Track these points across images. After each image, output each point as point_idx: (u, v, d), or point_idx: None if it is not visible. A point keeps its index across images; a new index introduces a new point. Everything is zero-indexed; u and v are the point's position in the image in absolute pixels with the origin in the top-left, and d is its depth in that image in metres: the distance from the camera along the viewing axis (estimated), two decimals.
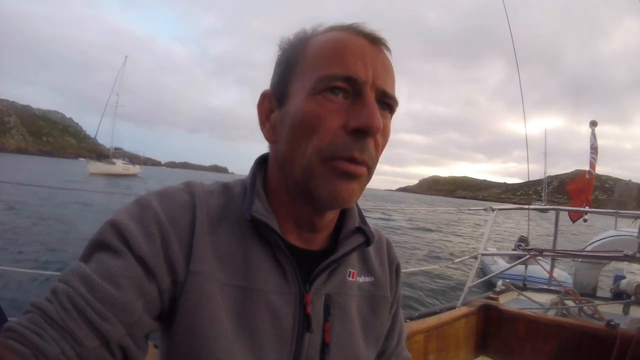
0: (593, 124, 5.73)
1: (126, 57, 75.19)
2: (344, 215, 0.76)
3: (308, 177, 0.62)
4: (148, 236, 0.59)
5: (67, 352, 0.49)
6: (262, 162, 0.74)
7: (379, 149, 0.64)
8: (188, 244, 0.62)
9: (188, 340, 0.59)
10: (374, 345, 0.79)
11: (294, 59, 0.66)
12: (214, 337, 0.60)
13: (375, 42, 0.64)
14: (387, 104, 0.65)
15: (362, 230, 0.74)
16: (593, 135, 5.71)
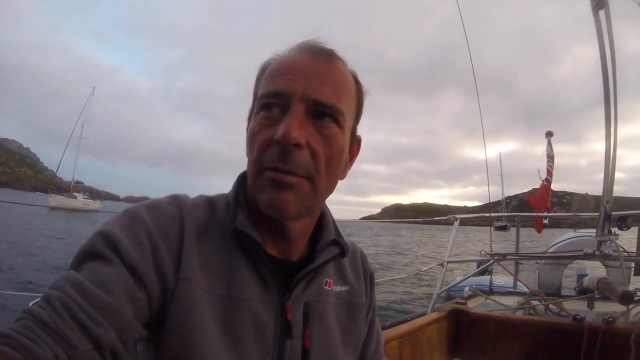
0: (549, 134, 6.00)
1: (94, 87, 72.61)
2: (320, 227, 0.79)
3: (253, 187, 0.68)
4: (138, 245, 0.60)
5: (60, 355, 0.49)
6: (244, 178, 0.77)
7: (319, 158, 0.65)
8: (177, 253, 0.64)
9: (178, 346, 0.60)
10: (353, 351, 0.82)
11: (256, 84, 0.73)
12: (204, 343, 0.61)
13: (317, 54, 0.68)
14: (325, 112, 0.66)
15: (338, 242, 0.79)
16: (549, 144, 5.96)
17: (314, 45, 0.70)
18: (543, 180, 5.90)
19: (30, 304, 0.59)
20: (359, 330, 0.83)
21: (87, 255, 0.59)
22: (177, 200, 0.71)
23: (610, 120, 2.76)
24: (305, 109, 0.65)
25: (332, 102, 0.66)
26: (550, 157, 5.93)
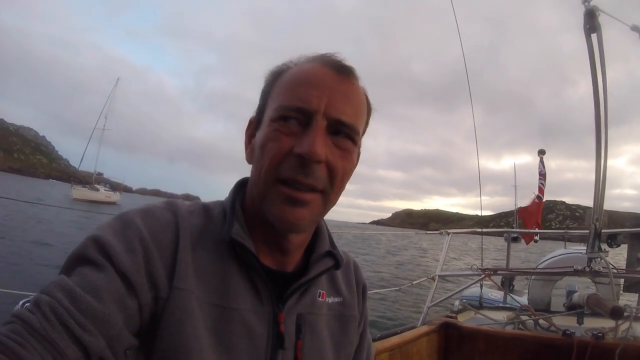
0: (541, 152, 6.02)
1: (118, 79, 70.34)
2: (316, 238, 0.79)
3: (262, 199, 0.67)
4: (130, 252, 0.60)
5: None
6: (241, 185, 0.77)
7: (335, 174, 0.67)
8: (171, 261, 0.63)
9: (171, 356, 0.60)
10: None
11: (268, 89, 0.72)
12: (197, 353, 0.60)
13: (339, 71, 0.68)
14: (344, 131, 0.67)
15: (332, 253, 0.78)
16: (541, 162, 5.98)
17: (335, 61, 0.69)
18: (535, 198, 5.94)
19: (19, 304, 0.58)
20: (350, 343, 0.83)
21: (78, 260, 0.58)
22: (172, 206, 0.70)
23: (600, 141, 2.80)
24: (326, 126, 0.65)
25: (353, 123, 0.67)
26: (542, 175, 5.96)
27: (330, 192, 0.67)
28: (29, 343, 0.48)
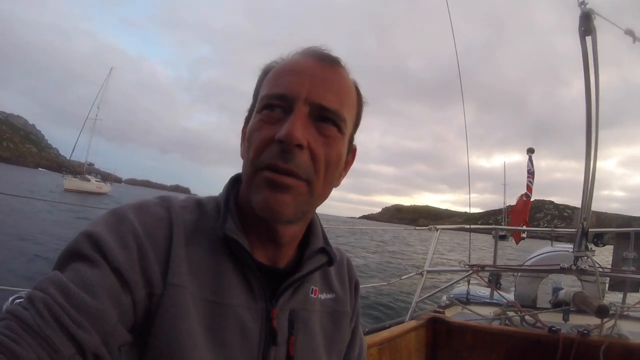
0: (530, 150, 6.07)
1: (112, 68, 68.91)
2: (309, 234, 0.79)
3: (248, 187, 0.67)
4: (124, 247, 0.59)
5: (43, 358, 0.49)
6: (236, 181, 0.77)
7: (319, 161, 0.66)
8: (165, 257, 0.63)
9: (166, 352, 0.60)
10: (337, 359, 0.82)
11: (258, 86, 0.74)
12: (190, 349, 0.61)
13: (322, 60, 0.69)
14: (328, 117, 0.67)
15: (325, 250, 0.78)
16: (530, 161, 6.04)
17: (319, 51, 0.70)
18: (522, 196, 6.02)
19: (9, 301, 0.58)
20: (342, 339, 0.84)
21: (72, 256, 0.58)
22: (165, 202, 0.70)
23: (590, 142, 2.85)
24: (309, 112, 0.65)
25: (336, 108, 0.67)
26: (531, 174, 6.04)
27: (315, 181, 0.66)
28: (23, 340, 0.48)
